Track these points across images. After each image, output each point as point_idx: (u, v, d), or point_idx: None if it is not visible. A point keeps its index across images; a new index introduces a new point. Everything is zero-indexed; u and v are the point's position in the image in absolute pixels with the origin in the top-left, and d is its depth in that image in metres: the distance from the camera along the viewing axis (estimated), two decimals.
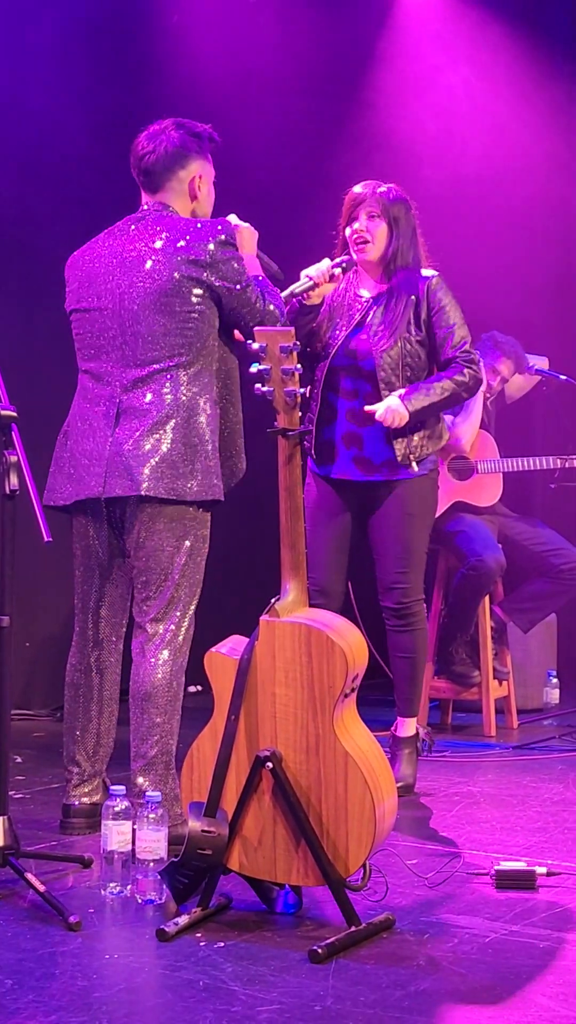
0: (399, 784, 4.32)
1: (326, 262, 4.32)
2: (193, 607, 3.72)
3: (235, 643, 3.14)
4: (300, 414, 3.07)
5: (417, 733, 4.53)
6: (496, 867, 3.40)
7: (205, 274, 3.64)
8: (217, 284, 3.65)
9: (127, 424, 3.64)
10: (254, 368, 3.05)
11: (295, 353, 3.02)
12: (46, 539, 3.28)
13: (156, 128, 3.81)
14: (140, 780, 3.60)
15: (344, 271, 4.38)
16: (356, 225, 4.38)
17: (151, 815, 3.25)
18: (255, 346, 3.03)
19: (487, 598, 5.51)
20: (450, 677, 5.58)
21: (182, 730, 3.66)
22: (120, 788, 3.34)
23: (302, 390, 3.04)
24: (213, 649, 3.15)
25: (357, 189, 4.42)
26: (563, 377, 5.62)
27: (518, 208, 6.88)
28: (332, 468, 4.42)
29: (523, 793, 4.44)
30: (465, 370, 4.33)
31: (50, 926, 3.05)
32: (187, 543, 3.67)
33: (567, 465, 5.58)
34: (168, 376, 3.65)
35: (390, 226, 4.37)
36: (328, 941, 2.90)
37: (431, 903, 3.25)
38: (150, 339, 3.66)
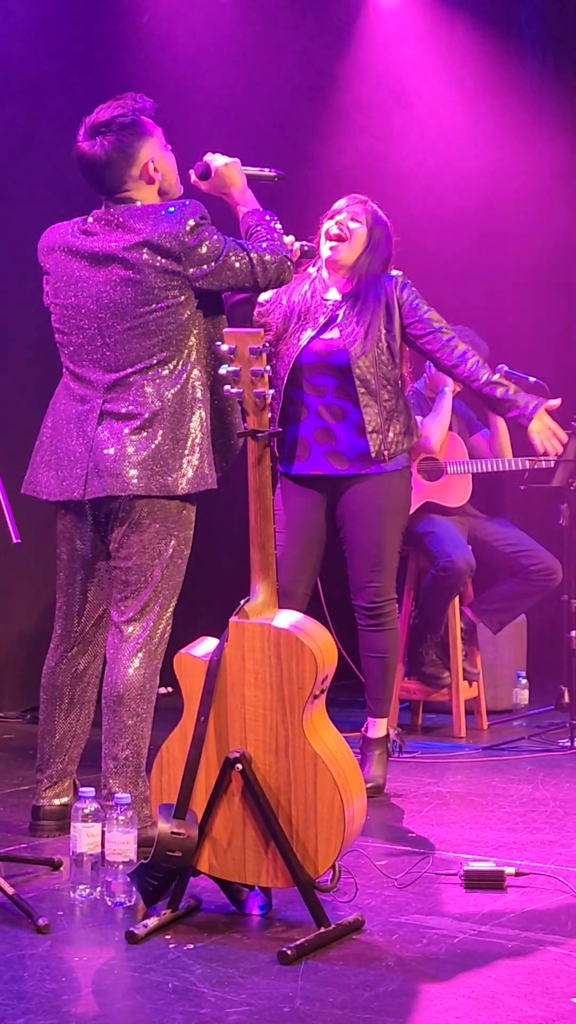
0: (369, 785, 4.32)
1: (292, 239, 4.30)
2: (171, 609, 3.70)
3: (205, 645, 3.14)
4: (270, 415, 3.08)
5: (388, 734, 4.54)
6: (465, 867, 3.42)
7: (179, 266, 3.60)
8: (196, 272, 3.61)
9: (110, 426, 3.62)
10: (223, 370, 3.05)
11: (264, 355, 3.03)
12: (15, 540, 3.27)
13: (89, 129, 3.68)
14: (110, 782, 3.59)
15: (306, 256, 4.36)
16: (339, 218, 4.41)
17: (120, 817, 3.25)
18: (224, 348, 3.04)
19: (457, 599, 5.53)
20: (420, 678, 5.59)
21: (153, 732, 3.66)
22: (89, 790, 3.34)
23: (271, 391, 3.05)
24: (182, 651, 3.15)
25: (345, 200, 4.47)
26: (532, 379, 5.64)
27: (489, 216, 6.92)
28: (305, 464, 4.43)
29: (492, 793, 4.45)
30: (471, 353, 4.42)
31: (19, 928, 3.04)
32: (171, 545, 3.66)
33: (536, 466, 5.60)
34: (149, 376, 3.62)
35: (368, 236, 4.41)
36: (297, 942, 2.90)
37: (400, 904, 3.26)
38: (127, 342, 3.63)
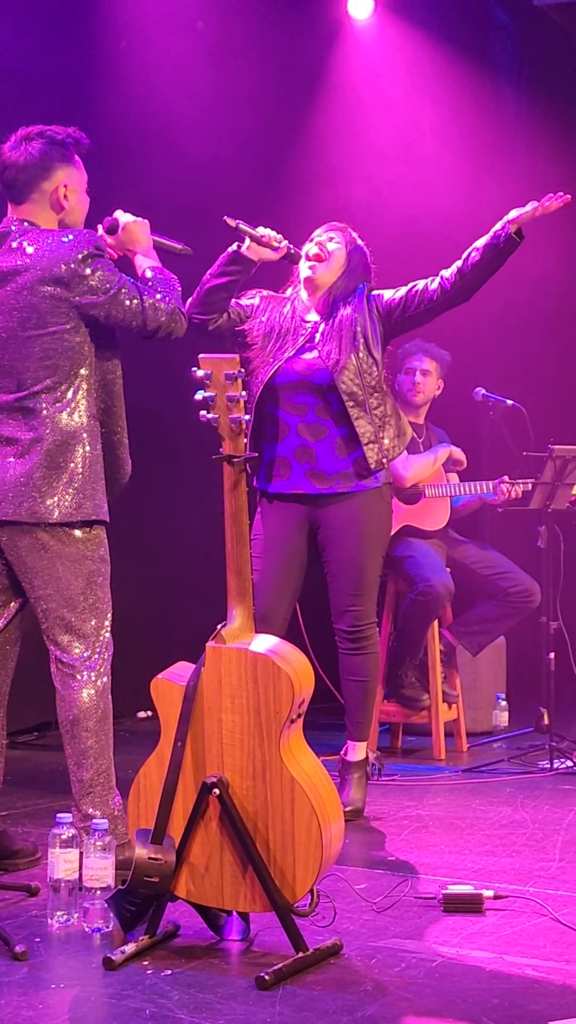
0: (348, 808, 4.33)
1: (280, 236, 4.34)
2: (107, 626, 3.66)
3: (181, 669, 3.14)
4: (245, 441, 3.08)
5: (367, 757, 4.54)
6: (444, 891, 3.42)
7: (69, 293, 3.54)
8: (83, 301, 3.55)
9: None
10: (199, 395, 3.06)
11: (240, 380, 3.03)
12: None
13: (20, 135, 3.67)
14: (81, 805, 3.57)
15: (289, 259, 4.38)
16: (319, 238, 4.45)
17: (98, 843, 3.24)
18: (200, 373, 3.05)
19: (436, 621, 5.54)
20: (400, 700, 5.60)
21: (131, 756, 3.65)
22: (67, 816, 3.33)
23: (247, 416, 3.06)
24: (159, 675, 3.15)
25: (323, 228, 4.52)
26: (510, 402, 5.67)
27: (461, 241, 6.95)
28: (285, 484, 4.44)
29: (472, 816, 4.45)
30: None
31: None
32: (84, 567, 3.61)
33: (513, 496, 5.62)
34: (34, 402, 3.57)
35: (347, 260, 4.45)
36: (275, 967, 2.90)
37: (379, 928, 3.26)
38: (15, 367, 3.58)
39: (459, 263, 4.36)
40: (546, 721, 5.29)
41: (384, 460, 4.36)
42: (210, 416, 3.06)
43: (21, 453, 3.58)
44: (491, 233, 4.34)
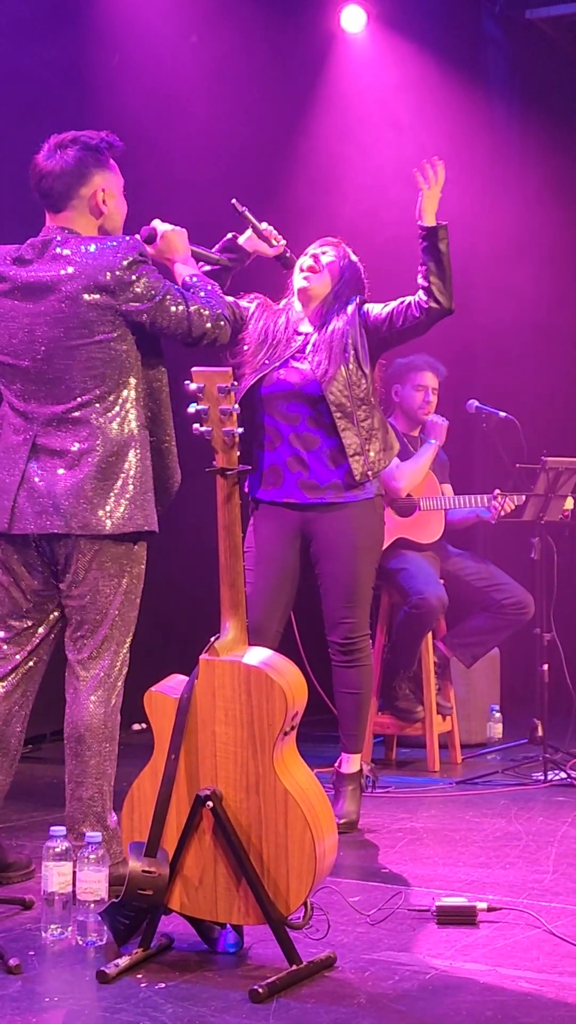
0: (343, 820, 4.34)
1: (273, 230, 4.36)
2: (127, 646, 3.66)
3: (175, 682, 3.15)
4: (238, 453, 3.09)
5: (361, 769, 4.54)
6: (437, 903, 3.42)
7: (114, 300, 3.53)
8: (129, 308, 3.54)
9: (41, 461, 3.56)
10: (192, 408, 3.06)
11: (233, 393, 3.04)
12: None
13: (52, 144, 3.67)
14: (78, 824, 3.55)
15: (282, 262, 4.39)
16: (313, 251, 4.48)
17: (91, 856, 3.24)
18: (192, 387, 3.05)
19: (430, 633, 5.54)
20: (394, 712, 5.60)
21: (125, 768, 3.64)
22: (60, 829, 3.33)
23: (240, 429, 3.06)
24: (153, 688, 3.15)
25: (317, 242, 4.54)
26: (503, 414, 5.68)
27: (459, 259, 6.97)
28: (278, 492, 4.45)
29: (466, 828, 4.45)
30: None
31: None
32: (124, 582, 3.60)
33: (503, 512, 5.63)
34: (84, 412, 3.55)
35: (340, 272, 4.47)
36: (269, 980, 2.90)
37: (373, 940, 3.26)
38: (63, 377, 3.55)
39: (419, 278, 4.36)
40: (540, 733, 5.29)
41: (369, 472, 4.37)
42: (203, 429, 3.07)
43: (71, 464, 3.54)
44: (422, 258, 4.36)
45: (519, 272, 7.33)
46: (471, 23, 7.33)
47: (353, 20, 6.90)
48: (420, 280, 4.35)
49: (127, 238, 3.62)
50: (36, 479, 3.55)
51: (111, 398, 3.57)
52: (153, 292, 3.55)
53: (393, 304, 4.42)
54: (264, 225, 4.37)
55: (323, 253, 4.50)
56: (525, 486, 5.48)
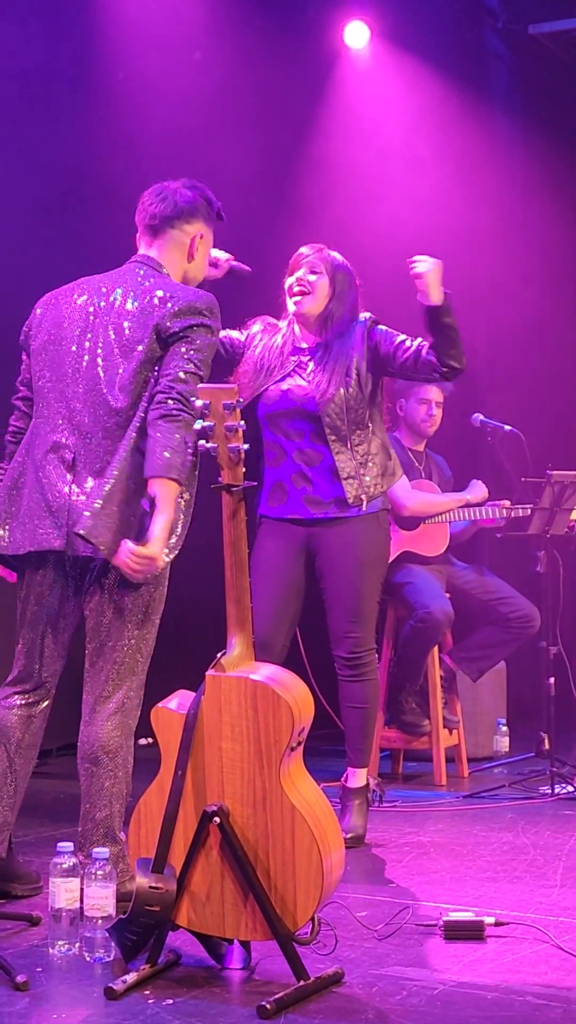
0: (349, 835, 4.34)
1: (227, 256, 4.20)
2: (146, 668, 3.66)
3: (182, 698, 3.15)
4: (244, 470, 3.10)
5: (367, 784, 4.54)
6: (445, 918, 3.42)
7: (167, 340, 3.53)
8: (166, 331, 3.54)
9: (83, 479, 3.55)
10: (198, 425, 3.07)
11: (238, 410, 3.05)
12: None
13: (180, 181, 3.78)
14: (89, 844, 3.55)
15: (234, 277, 4.24)
16: (298, 274, 4.44)
17: (99, 872, 3.24)
18: (198, 403, 3.06)
19: (436, 647, 5.55)
20: (400, 727, 5.60)
21: (133, 784, 3.65)
22: (67, 845, 3.33)
23: (245, 446, 3.07)
24: (160, 704, 3.16)
25: (304, 250, 4.49)
26: (508, 428, 5.69)
27: (462, 272, 6.99)
28: (283, 508, 4.46)
29: (473, 842, 4.45)
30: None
31: None
32: (146, 603, 3.61)
33: (512, 515, 5.64)
34: (127, 431, 3.53)
35: (331, 287, 4.43)
36: (277, 996, 2.89)
37: (380, 955, 3.26)
38: (112, 393, 3.55)
39: (430, 349, 4.33)
40: (547, 746, 5.29)
41: (363, 496, 4.36)
42: (209, 445, 3.08)
43: (109, 484, 3.51)
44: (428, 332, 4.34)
45: (524, 286, 7.34)
46: (474, 38, 7.36)
47: (357, 36, 6.93)
48: (432, 354, 4.31)
49: (204, 292, 3.64)
50: (76, 499, 3.55)
51: (140, 415, 3.56)
52: (192, 361, 3.50)
53: (408, 346, 4.37)
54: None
55: (309, 272, 4.43)
56: (530, 500, 5.48)
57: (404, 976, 3.11)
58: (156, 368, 3.55)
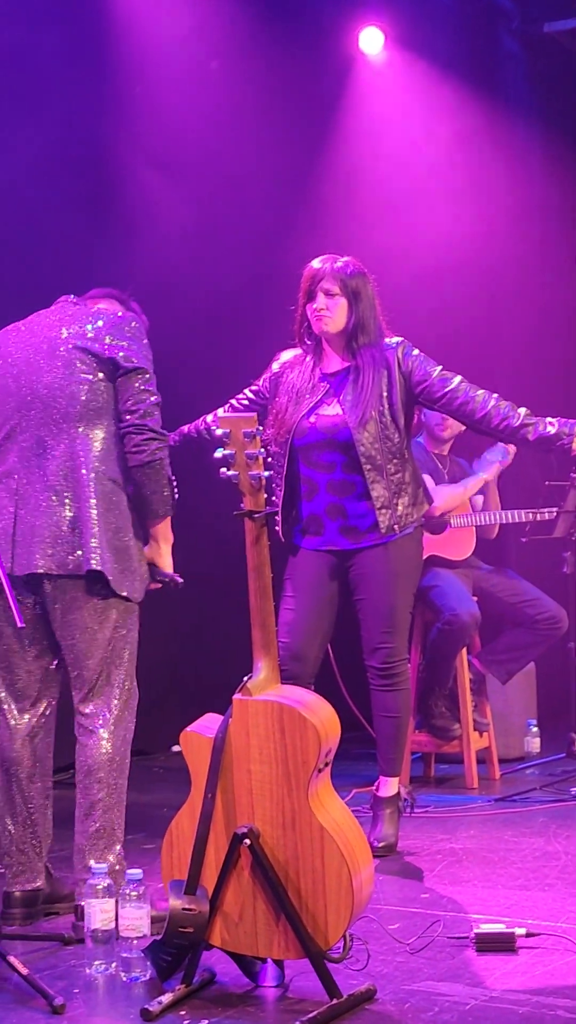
0: (381, 844, 4.37)
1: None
2: (133, 678, 3.71)
3: (209, 721, 3.19)
4: (265, 496, 3.13)
5: (399, 792, 4.57)
6: (476, 930, 3.45)
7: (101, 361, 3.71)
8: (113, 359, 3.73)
9: (46, 500, 3.63)
10: (219, 453, 3.11)
11: (258, 438, 3.09)
12: (20, 625, 3.34)
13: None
14: (84, 856, 3.61)
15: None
16: (315, 305, 4.38)
17: (132, 893, 3.29)
18: (219, 432, 3.10)
19: (465, 650, 5.57)
20: (431, 731, 5.63)
21: (165, 794, 3.68)
22: (101, 867, 3.38)
23: (267, 473, 3.11)
24: (188, 728, 3.20)
25: (315, 265, 4.42)
26: None
27: (481, 277, 7.01)
28: (320, 540, 4.46)
29: (504, 848, 4.48)
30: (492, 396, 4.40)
31: (34, 1010, 3.07)
32: (112, 616, 3.65)
33: (538, 518, 5.66)
34: (92, 455, 3.65)
35: (349, 301, 4.38)
36: (310, 1015, 2.93)
37: (412, 970, 3.29)
38: (73, 419, 3.67)
39: (513, 419, 4.33)
40: None
41: (396, 526, 4.36)
42: (230, 473, 3.11)
43: (64, 502, 3.62)
44: (555, 431, 4.31)
45: (545, 286, 7.34)
46: (488, 39, 7.35)
47: (371, 42, 6.94)
48: (516, 431, 4.34)
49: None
50: (38, 521, 3.66)
51: (105, 438, 3.73)
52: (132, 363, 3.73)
53: (447, 386, 4.36)
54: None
55: (324, 294, 4.36)
56: (556, 503, 5.50)
57: (436, 991, 3.14)
58: None
